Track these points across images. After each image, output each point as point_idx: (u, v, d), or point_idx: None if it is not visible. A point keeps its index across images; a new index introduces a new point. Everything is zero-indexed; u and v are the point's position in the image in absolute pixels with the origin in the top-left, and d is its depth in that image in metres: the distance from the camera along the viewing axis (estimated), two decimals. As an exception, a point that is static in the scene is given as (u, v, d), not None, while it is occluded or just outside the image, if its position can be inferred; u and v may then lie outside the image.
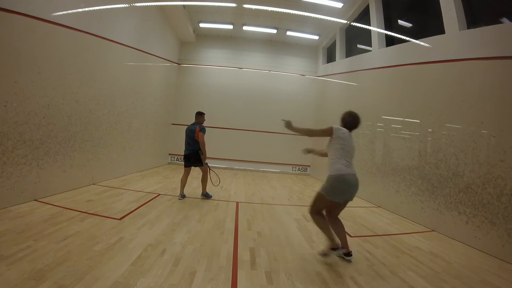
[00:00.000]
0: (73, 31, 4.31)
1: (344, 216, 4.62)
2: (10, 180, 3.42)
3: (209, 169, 5.10)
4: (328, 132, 2.77)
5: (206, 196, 5.02)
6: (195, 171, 4.72)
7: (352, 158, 2.75)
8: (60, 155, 4.31)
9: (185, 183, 4.95)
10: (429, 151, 4.52)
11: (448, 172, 4.07)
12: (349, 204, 2.86)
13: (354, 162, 2.79)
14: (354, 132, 2.99)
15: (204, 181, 4.99)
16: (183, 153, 4.91)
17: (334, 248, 2.67)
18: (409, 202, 4.80)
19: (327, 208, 2.81)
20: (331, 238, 2.70)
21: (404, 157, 5.09)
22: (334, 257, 2.82)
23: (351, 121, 2.92)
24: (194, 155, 4.80)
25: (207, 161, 4.96)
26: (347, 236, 2.98)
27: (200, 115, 5.04)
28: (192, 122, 4.96)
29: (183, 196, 4.86)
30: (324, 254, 2.73)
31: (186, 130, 4.93)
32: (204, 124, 4.97)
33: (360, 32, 7.36)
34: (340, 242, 2.74)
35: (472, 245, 3.52)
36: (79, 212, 3.49)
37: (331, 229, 2.75)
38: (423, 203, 4.47)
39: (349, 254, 2.77)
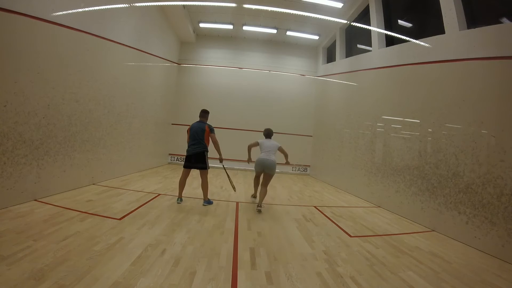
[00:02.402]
0: (73, 31, 4.31)
1: (344, 216, 4.64)
2: (10, 180, 3.42)
3: (227, 172, 5.16)
4: (254, 144, 5.01)
5: (208, 203, 4.62)
6: (195, 171, 4.66)
7: (270, 152, 4.70)
8: (60, 155, 4.31)
9: (184, 185, 4.65)
10: (429, 151, 4.52)
11: (448, 172, 4.07)
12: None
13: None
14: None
15: (204, 187, 4.57)
16: (183, 153, 4.80)
17: (253, 196, 5.46)
18: (409, 202, 4.80)
19: (257, 174, 5.10)
20: (255, 190, 5.36)
21: (404, 157, 5.09)
22: (334, 258, 2.83)
23: (265, 133, 5.06)
24: (199, 157, 4.46)
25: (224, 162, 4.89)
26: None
27: (207, 113, 4.77)
28: (197, 120, 4.69)
29: (181, 199, 4.59)
30: (253, 196, 5.37)
31: (192, 128, 4.58)
32: None
33: (360, 32, 7.37)
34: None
35: (472, 245, 3.52)
36: (79, 212, 3.49)
37: (258, 186, 5.10)
38: (423, 203, 4.47)
39: (258, 205, 4.49)
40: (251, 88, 10.43)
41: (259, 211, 4.41)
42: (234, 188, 5.24)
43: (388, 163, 5.56)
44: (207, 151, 4.58)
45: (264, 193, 4.58)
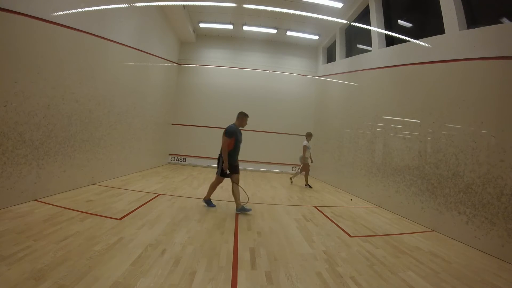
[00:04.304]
0: (73, 31, 4.31)
1: (344, 215, 4.64)
2: (10, 180, 3.42)
3: (232, 182, 4.33)
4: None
5: (207, 203, 4.53)
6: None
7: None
8: (60, 155, 4.31)
9: (214, 189, 4.49)
10: (429, 151, 4.52)
11: (448, 172, 4.07)
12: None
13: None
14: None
15: (210, 185, 4.50)
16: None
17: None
18: (409, 202, 4.80)
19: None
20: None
21: (404, 157, 5.09)
22: (334, 258, 2.83)
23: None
24: (219, 161, 4.30)
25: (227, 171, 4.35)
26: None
27: (240, 114, 4.51)
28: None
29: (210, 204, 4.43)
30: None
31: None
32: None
33: (360, 32, 7.37)
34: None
35: (472, 245, 3.52)
36: (79, 212, 3.49)
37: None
38: (423, 203, 4.47)
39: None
40: (251, 88, 10.42)
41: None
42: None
43: (388, 163, 5.56)
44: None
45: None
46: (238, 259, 2.62)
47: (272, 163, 10.05)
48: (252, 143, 10.18)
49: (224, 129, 4.31)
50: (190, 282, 2.12)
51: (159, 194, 5.02)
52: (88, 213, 3.52)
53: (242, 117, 4.44)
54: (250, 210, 4.27)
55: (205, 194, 4.65)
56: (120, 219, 3.45)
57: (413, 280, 2.46)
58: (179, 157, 10.01)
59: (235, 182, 4.30)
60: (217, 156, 4.57)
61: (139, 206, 4.13)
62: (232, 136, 4.18)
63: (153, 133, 8.34)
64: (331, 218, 4.45)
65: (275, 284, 2.22)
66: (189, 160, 9.94)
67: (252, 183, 7.46)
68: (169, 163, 9.92)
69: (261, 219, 4.06)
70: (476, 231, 3.52)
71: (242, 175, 8.64)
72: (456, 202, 3.88)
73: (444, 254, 3.19)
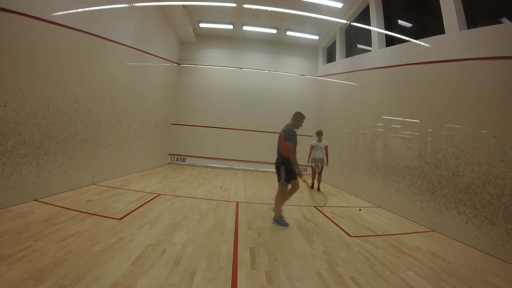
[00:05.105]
0: (73, 31, 4.31)
1: (344, 215, 4.64)
2: (10, 180, 3.42)
3: (282, 188, 3.88)
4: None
5: (277, 222, 3.82)
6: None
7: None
8: (60, 155, 4.31)
9: (284, 201, 3.98)
10: (429, 151, 4.52)
11: (448, 172, 4.07)
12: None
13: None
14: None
15: (276, 200, 3.90)
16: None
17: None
18: (409, 202, 4.80)
19: None
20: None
21: (404, 157, 5.09)
22: (334, 258, 2.82)
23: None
24: (276, 168, 3.86)
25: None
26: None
27: (296, 114, 3.93)
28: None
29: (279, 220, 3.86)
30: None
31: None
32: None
33: (360, 32, 7.36)
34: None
35: (472, 245, 3.52)
36: (79, 212, 3.49)
37: None
38: (423, 203, 4.47)
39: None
40: (251, 88, 10.42)
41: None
42: (319, 203, 4.32)
43: (388, 163, 5.56)
44: (284, 165, 3.77)
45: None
46: (238, 259, 2.62)
47: (272, 163, 10.00)
48: (252, 143, 10.20)
49: (282, 132, 3.78)
50: (190, 282, 2.12)
51: (159, 194, 5.02)
52: (88, 213, 3.52)
53: (298, 117, 3.89)
54: (287, 224, 3.79)
55: (204, 195, 4.65)
56: (120, 219, 3.45)
57: (413, 280, 2.46)
58: (179, 157, 10.00)
59: (286, 190, 3.89)
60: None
61: (139, 206, 4.13)
62: (294, 140, 3.68)
63: (153, 133, 8.34)
64: (331, 218, 4.45)
65: (275, 284, 2.22)
66: (189, 160, 9.94)
67: (252, 183, 7.45)
68: (169, 163, 9.92)
69: (261, 219, 4.06)
70: (476, 231, 3.52)
71: (242, 175, 8.67)
72: (456, 202, 3.88)
73: (444, 254, 3.19)
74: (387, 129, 5.75)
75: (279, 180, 3.85)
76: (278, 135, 3.98)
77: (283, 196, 3.89)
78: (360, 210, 5.12)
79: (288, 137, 3.65)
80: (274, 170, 3.99)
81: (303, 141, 11.15)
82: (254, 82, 10.45)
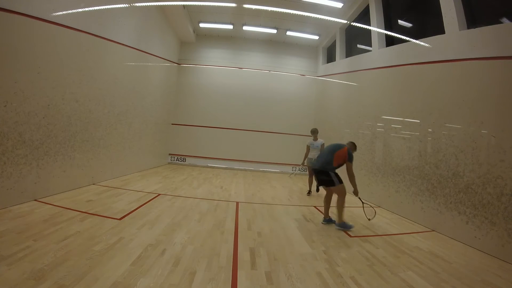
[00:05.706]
0: (73, 31, 4.31)
1: (344, 215, 4.62)
2: (10, 180, 3.42)
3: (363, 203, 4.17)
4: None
5: (341, 226, 3.92)
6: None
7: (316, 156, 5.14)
8: (60, 155, 4.31)
9: (344, 205, 4.06)
10: (429, 151, 4.52)
11: (448, 172, 4.07)
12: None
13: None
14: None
15: (337, 206, 4.04)
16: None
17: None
18: (409, 202, 4.80)
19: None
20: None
21: (404, 157, 5.09)
22: (334, 258, 2.83)
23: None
24: (327, 174, 4.09)
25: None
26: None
27: (352, 145, 4.35)
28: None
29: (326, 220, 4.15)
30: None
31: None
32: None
33: (360, 32, 7.36)
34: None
35: (472, 245, 3.52)
36: (79, 212, 3.49)
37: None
38: (423, 203, 4.47)
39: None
40: (251, 88, 10.42)
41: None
42: (367, 215, 4.36)
43: (388, 163, 5.56)
44: (332, 171, 4.11)
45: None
46: (238, 259, 2.62)
47: (272, 163, 10.04)
48: (252, 143, 10.20)
49: (343, 150, 4.09)
50: (190, 282, 2.12)
51: (159, 194, 5.02)
52: (88, 213, 3.52)
53: (354, 147, 4.40)
54: (352, 226, 3.92)
55: (208, 195, 4.65)
56: (120, 219, 3.45)
57: (413, 280, 2.46)
58: (179, 157, 10.00)
59: (345, 190, 4.13)
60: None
61: (139, 206, 4.13)
62: (352, 161, 4.19)
63: (153, 133, 8.34)
64: (331, 217, 4.44)
65: (275, 284, 2.22)
66: (189, 160, 9.94)
67: (252, 183, 7.45)
68: (169, 163, 9.92)
69: (261, 219, 4.06)
70: (476, 231, 3.52)
71: (242, 175, 8.67)
72: (456, 202, 3.88)
73: (444, 254, 3.19)
74: (387, 129, 5.75)
75: (332, 185, 4.09)
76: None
77: (342, 200, 4.04)
78: (369, 220, 4.52)
79: (350, 159, 4.12)
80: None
81: (303, 141, 11.13)
82: (254, 82, 10.45)
